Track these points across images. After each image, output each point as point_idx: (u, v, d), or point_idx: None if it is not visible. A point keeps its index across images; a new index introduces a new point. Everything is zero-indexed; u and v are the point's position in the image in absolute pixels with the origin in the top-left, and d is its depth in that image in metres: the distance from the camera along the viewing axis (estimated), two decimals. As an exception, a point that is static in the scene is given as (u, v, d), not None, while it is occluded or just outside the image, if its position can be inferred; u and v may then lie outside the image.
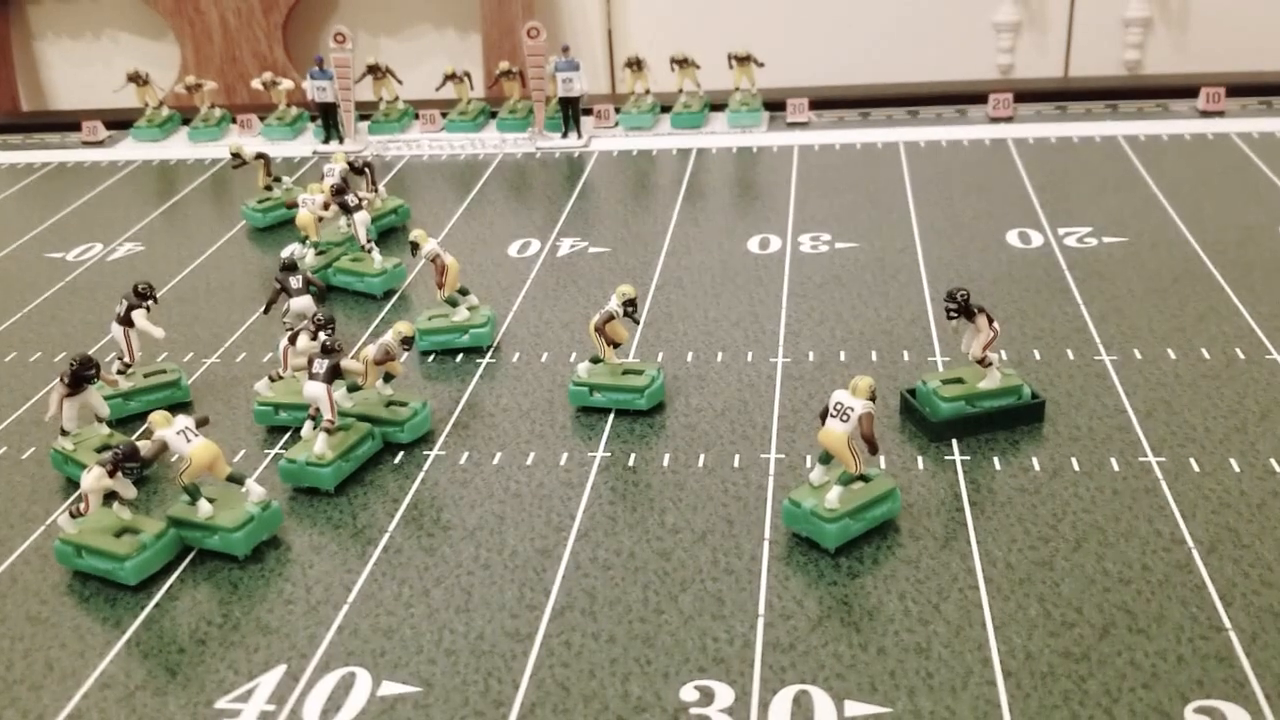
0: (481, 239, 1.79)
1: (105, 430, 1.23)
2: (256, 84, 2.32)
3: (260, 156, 1.89)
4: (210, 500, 1.08)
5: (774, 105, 2.23)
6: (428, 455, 1.22)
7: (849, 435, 1.00)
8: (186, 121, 2.42)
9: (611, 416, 1.26)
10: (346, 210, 1.61)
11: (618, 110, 2.24)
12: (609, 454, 1.20)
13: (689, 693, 0.87)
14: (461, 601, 0.99)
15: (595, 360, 1.28)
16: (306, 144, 2.28)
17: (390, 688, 0.90)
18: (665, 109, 2.25)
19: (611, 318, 1.25)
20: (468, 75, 2.26)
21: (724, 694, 0.87)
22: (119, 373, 1.33)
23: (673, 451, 1.19)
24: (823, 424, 1.03)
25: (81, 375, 1.18)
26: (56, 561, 1.07)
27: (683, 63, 2.19)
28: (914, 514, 1.06)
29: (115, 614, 1.02)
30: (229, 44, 2.89)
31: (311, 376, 1.17)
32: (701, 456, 1.18)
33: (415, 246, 1.42)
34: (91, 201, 2.08)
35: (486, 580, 1.02)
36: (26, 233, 1.94)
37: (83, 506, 1.06)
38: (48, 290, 1.72)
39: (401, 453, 1.23)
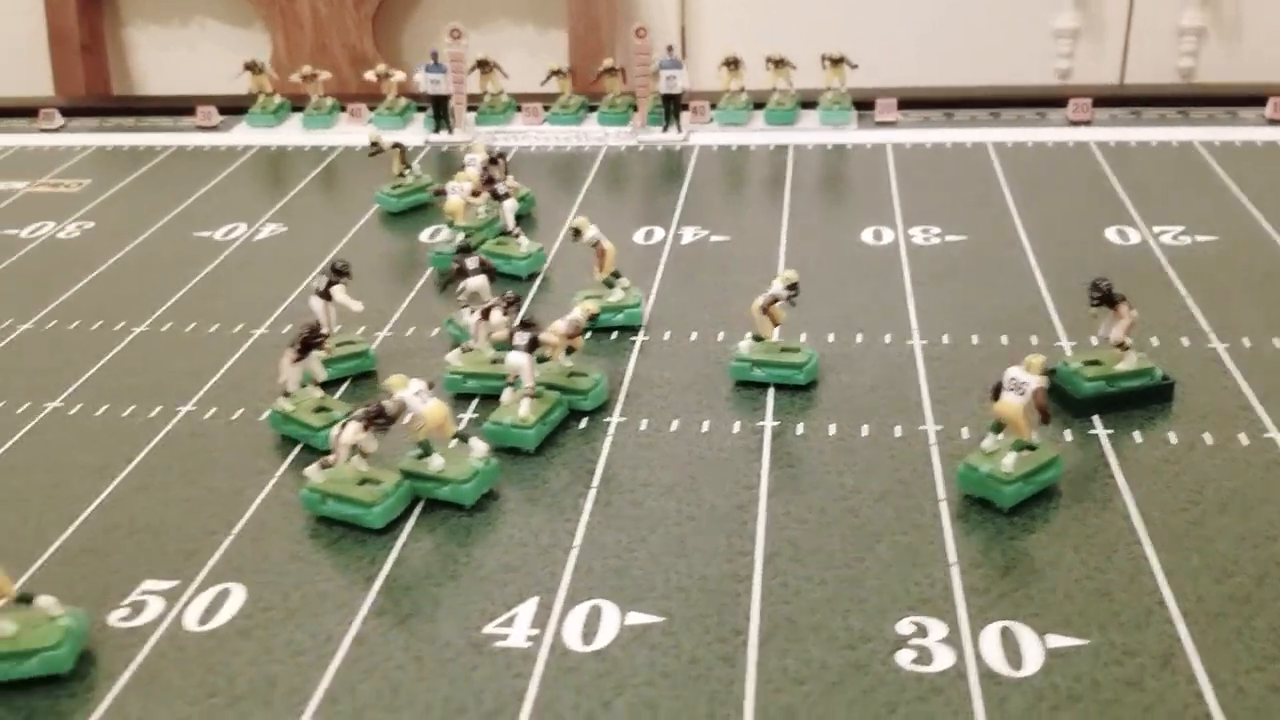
0: (605, 227, 1.90)
1: (318, 393, 1.36)
2: (370, 75, 2.43)
3: (397, 145, 2.01)
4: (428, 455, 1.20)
5: (861, 105, 2.35)
6: (609, 422, 1.35)
7: (1025, 407, 1.13)
8: (296, 109, 2.53)
9: (771, 391, 1.39)
10: (497, 197, 1.73)
11: (713, 107, 2.37)
12: (777, 423, 1.32)
13: (905, 626, 1.00)
14: (677, 548, 1.12)
15: (757, 338, 1.40)
16: (415, 134, 2.39)
17: (636, 617, 1.03)
18: (758, 106, 2.37)
19: (776, 299, 1.38)
20: (572, 71, 2.38)
21: (937, 628, 1.00)
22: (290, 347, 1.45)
23: (836, 422, 1.32)
24: (995, 398, 1.16)
25: (310, 342, 1.31)
26: (302, 508, 1.20)
27: (778, 63, 2.31)
28: (1071, 480, 1.19)
29: (369, 553, 1.14)
30: (319, 33, 3.00)
31: (514, 348, 1.30)
32: (864, 427, 1.30)
33: (578, 233, 1.55)
34: (222, 184, 2.20)
35: (695, 530, 1.15)
36: (167, 213, 2.06)
37: (332, 458, 1.18)
38: (206, 266, 1.83)
39: (585, 419, 1.35)
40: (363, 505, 1.16)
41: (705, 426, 1.33)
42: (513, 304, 1.38)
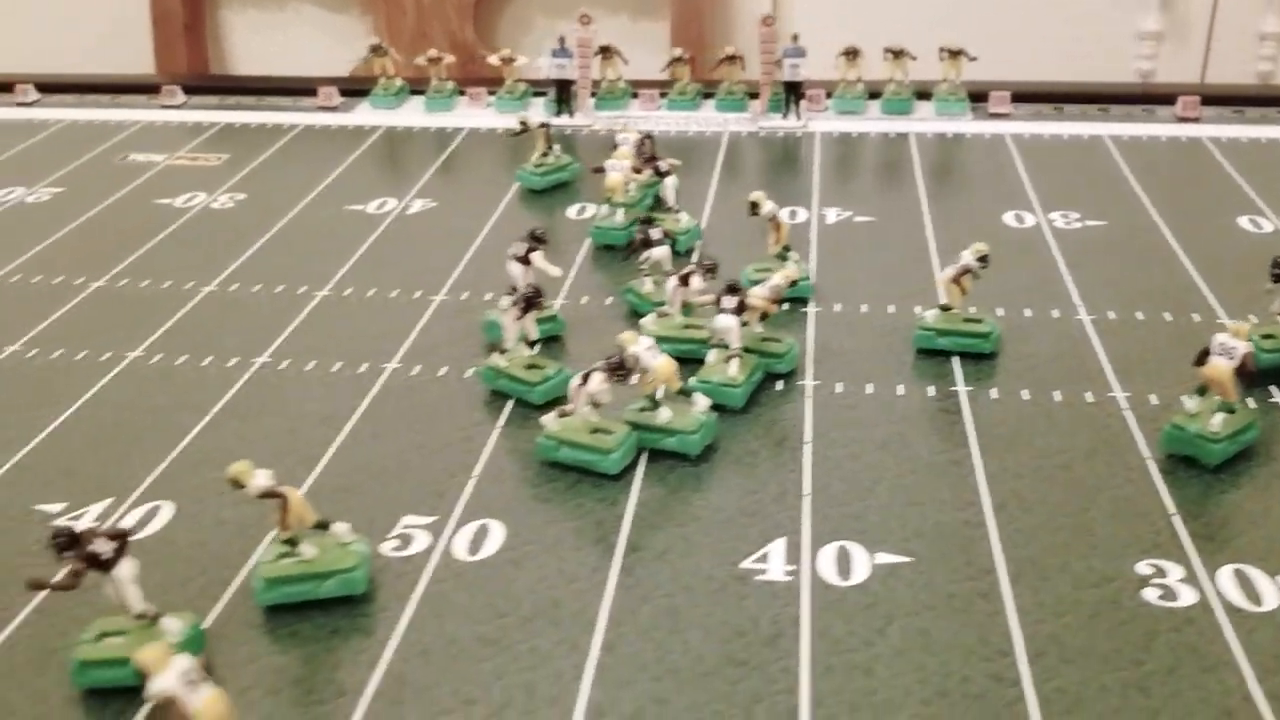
0: (781, 202, 1.99)
1: (528, 351, 1.42)
2: (493, 59, 2.50)
3: (543, 125, 2.07)
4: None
5: (974, 97, 2.42)
6: (804, 385, 1.42)
7: (1232, 369, 1.20)
8: (414, 92, 2.60)
9: (955, 360, 1.46)
10: (659, 174, 1.80)
11: (829, 95, 2.44)
12: (970, 389, 1.39)
13: (1143, 568, 1.07)
14: (905, 497, 1.19)
15: (944, 308, 1.47)
16: (534, 118, 2.46)
17: (884, 557, 1.10)
18: (872, 96, 2.44)
19: (967, 270, 1.45)
20: (692, 59, 2.45)
21: (1174, 569, 1.07)
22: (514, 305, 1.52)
23: (1027, 389, 1.39)
24: (1200, 363, 1.23)
25: (532, 301, 1.38)
26: (536, 455, 1.27)
27: (897, 54, 2.38)
28: (1265, 440, 1.26)
29: (608, 496, 1.21)
30: (421, 20, 3.07)
31: (721, 311, 1.37)
32: (1055, 393, 1.38)
33: (755, 206, 1.62)
34: (358, 161, 2.26)
35: (917, 483, 1.22)
36: (314, 187, 2.13)
37: (570, 408, 1.25)
38: (368, 237, 1.90)
39: (780, 382, 1.42)
40: (600, 452, 1.23)
41: (900, 390, 1.40)
42: (711, 269, 1.45)
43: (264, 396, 1.43)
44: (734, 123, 2.39)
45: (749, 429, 1.33)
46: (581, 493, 1.22)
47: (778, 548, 1.12)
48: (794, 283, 1.43)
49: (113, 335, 1.59)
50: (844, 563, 1.10)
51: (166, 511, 1.21)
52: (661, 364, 1.26)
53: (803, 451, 1.28)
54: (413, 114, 2.53)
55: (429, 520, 1.18)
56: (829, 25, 2.40)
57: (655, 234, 1.57)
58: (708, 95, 2.49)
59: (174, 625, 0.98)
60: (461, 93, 2.57)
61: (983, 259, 1.45)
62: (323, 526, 1.08)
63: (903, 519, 1.16)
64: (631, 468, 1.26)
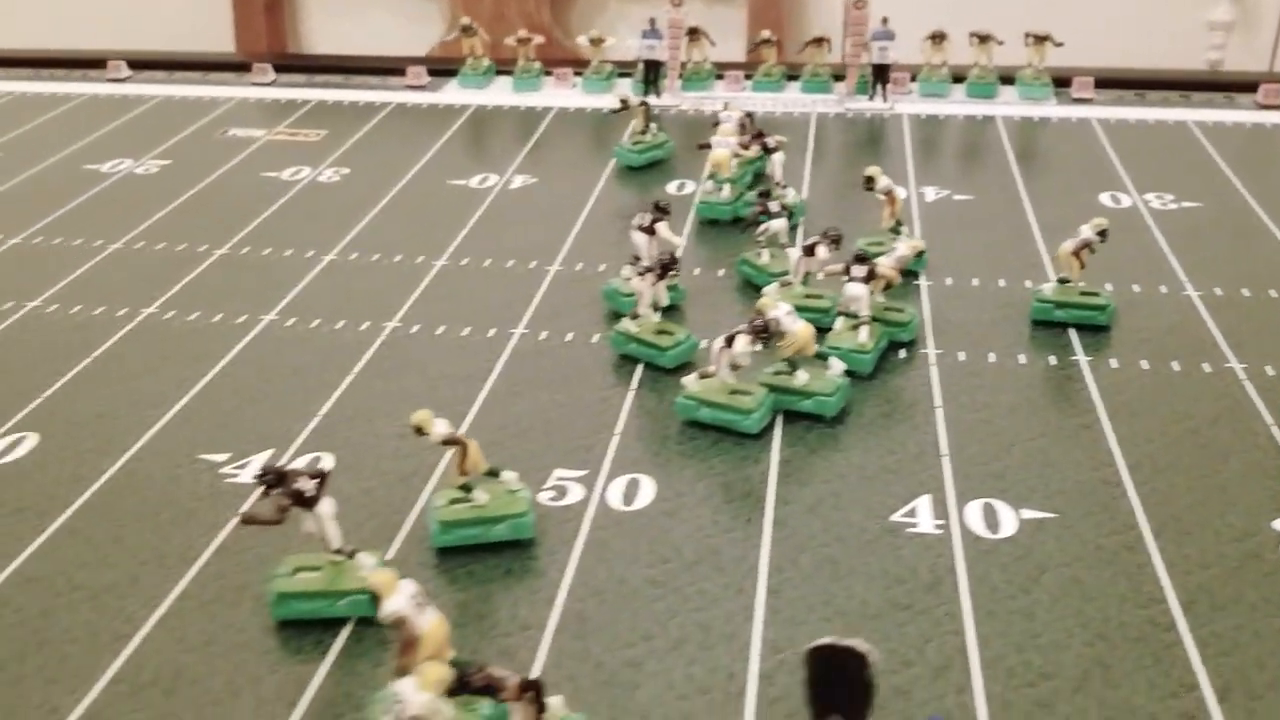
0: (849, 183, 2.03)
1: (656, 317, 1.47)
2: (583, 39, 2.55)
3: (643, 104, 2.12)
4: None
5: (1056, 82, 2.45)
6: (926, 353, 1.46)
7: (1362, 340, 1.24)
8: (500, 73, 2.65)
9: (1072, 331, 1.50)
10: (767, 150, 1.84)
11: (913, 79, 2.47)
12: (1090, 359, 1.43)
13: (1282, 524, 1.12)
14: (1042, 458, 1.23)
15: (1063, 281, 1.51)
16: (634, 97, 2.50)
17: (1029, 513, 1.15)
18: (956, 80, 2.48)
19: (1086, 244, 1.49)
20: (779, 42, 2.49)
21: (1313, 526, 1.11)
22: (639, 275, 1.56)
23: (1145, 359, 1.43)
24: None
25: (668, 267, 1.42)
26: (675, 414, 1.32)
27: (983, 38, 2.42)
28: (1388, 411, 1.30)
29: (750, 453, 1.26)
30: (498, 3, 3.11)
31: (852, 279, 1.41)
32: (1174, 363, 1.41)
33: (871, 181, 1.66)
34: (454, 138, 2.31)
35: (1051, 445, 1.26)
36: (415, 162, 2.17)
37: (712, 369, 1.30)
38: (475, 210, 1.95)
39: (902, 350, 1.46)
40: (741, 412, 1.28)
41: (1022, 359, 1.44)
42: (836, 240, 1.49)
43: (401, 358, 1.48)
44: (820, 104, 2.43)
45: (878, 393, 1.37)
46: (724, 450, 1.27)
47: (924, 503, 1.17)
48: (919, 254, 1.47)
49: (245, 300, 1.64)
50: (991, 518, 1.14)
51: (327, 463, 1.26)
52: (801, 329, 1.30)
53: (935, 415, 1.32)
54: (500, 93, 2.58)
55: (580, 473, 1.23)
56: (915, 9, 2.43)
57: (774, 206, 1.62)
58: (792, 77, 2.53)
59: (368, 561, 1.03)
60: (548, 73, 2.61)
61: (1102, 234, 1.49)
62: (493, 474, 1.13)
63: (1042, 478, 1.20)
64: (769, 428, 1.30)
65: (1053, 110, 2.38)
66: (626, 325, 1.46)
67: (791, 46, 2.61)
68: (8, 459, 1.29)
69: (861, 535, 1.12)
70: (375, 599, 0.86)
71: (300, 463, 1.27)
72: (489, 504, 1.11)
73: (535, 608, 1.04)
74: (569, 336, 1.53)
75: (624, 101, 2.14)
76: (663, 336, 1.44)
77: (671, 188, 2.03)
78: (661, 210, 1.57)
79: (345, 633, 1.02)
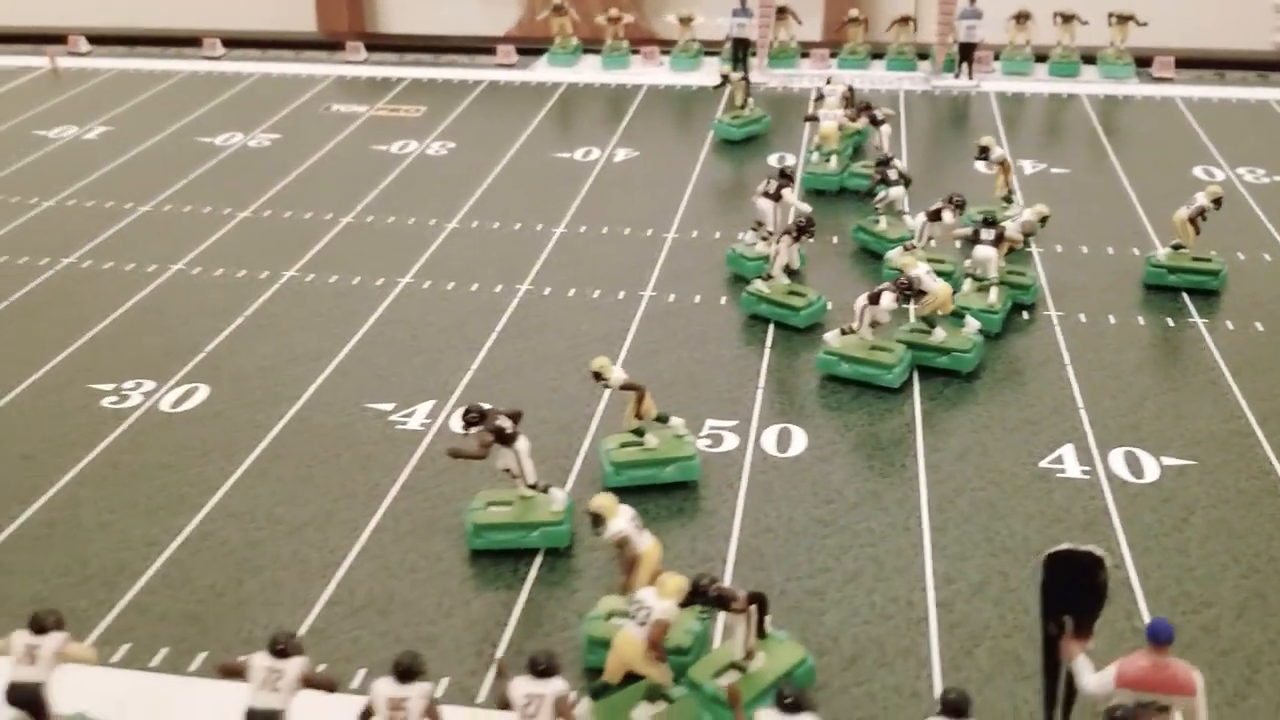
0: (942, 157, 2.08)
1: (786, 280, 1.53)
2: (671, 18, 2.61)
3: (744, 79, 2.18)
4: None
5: (1138, 61, 2.50)
6: (1049, 315, 1.52)
7: None
8: (586, 51, 2.71)
9: (1185, 295, 1.55)
10: (875, 123, 1.90)
11: (996, 57, 2.52)
12: (1206, 321, 1.49)
13: None
14: (1174, 411, 1.29)
15: (1176, 246, 1.56)
16: (709, 75, 2.56)
17: (1170, 460, 1.21)
18: (1039, 59, 2.53)
19: (1202, 211, 1.54)
20: (865, 20, 2.55)
21: None
22: (763, 239, 1.63)
23: (1259, 321, 1.48)
24: None
25: (804, 230, 1.48)
26: (818, 368, 1.38)
27: (1067, 18, 2.46)
28: None
29: (892, 406, 1.32)
30: (577, -17, 3.17)
31: (980, 243, 1.47)
32: (1289, 325, 1.47)
33: (985, 150, 1.72)
34: (551, 114, 2.38)
35: (1181, 399, 1.32)
36: (518, 137, 2.24)
37: (854, 325, 1.36)
38: (584, 181, 2.01)
39: (1025, 312, 1.52)
40: (883, 367, 1.34)
41: (1140, 320, 1.49)
42: (961, 205, 1.55)
43: (538, 318, 1.55)
44: (906, 81, 2.48)
45: (1008, 352, 1.43)
46: (866, 403, 1.33)
47: (1068, 451, 1.23)
48: (1044, 219, 1.52)
49: (379, 263, 1.71)
50: (1134, 464, 1.20)
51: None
52: (941, 287, 1.36)
53: (1066, 371, 1.38)
54: (589, 71, 2.64)
55: (732, 423, 1.30)
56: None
57: (892, 175, 1.67)
58: (876, 56, 2.59)
59: (559, 495, 1.10)
60: (635, 51, 2.67)
61: (1217, 201, 1.54)
62: (663, 419, 1.19)
63: (1176, 429, 1.26)
64: (908, 383, 1.36)
65: (1135, 89, 2.42)
66: (758, 286, 1.52)
67: (873, 26, 2.66)
68: (184, 407, 1.36)
69: (1013, 480, 1.19)
70: (598, 520, 0.92)
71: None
72: (659, 448, 1.18)
73: (712, 542, 1.11)
74: (697, 299, 1.59)
75: (725, 76, 2.20)
76: (794, 297, 1.50)
77: (773, 159, 2.09)
78: (786, 177, 1.63)
79: (537, 562, 1.09)
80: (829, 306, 1.51)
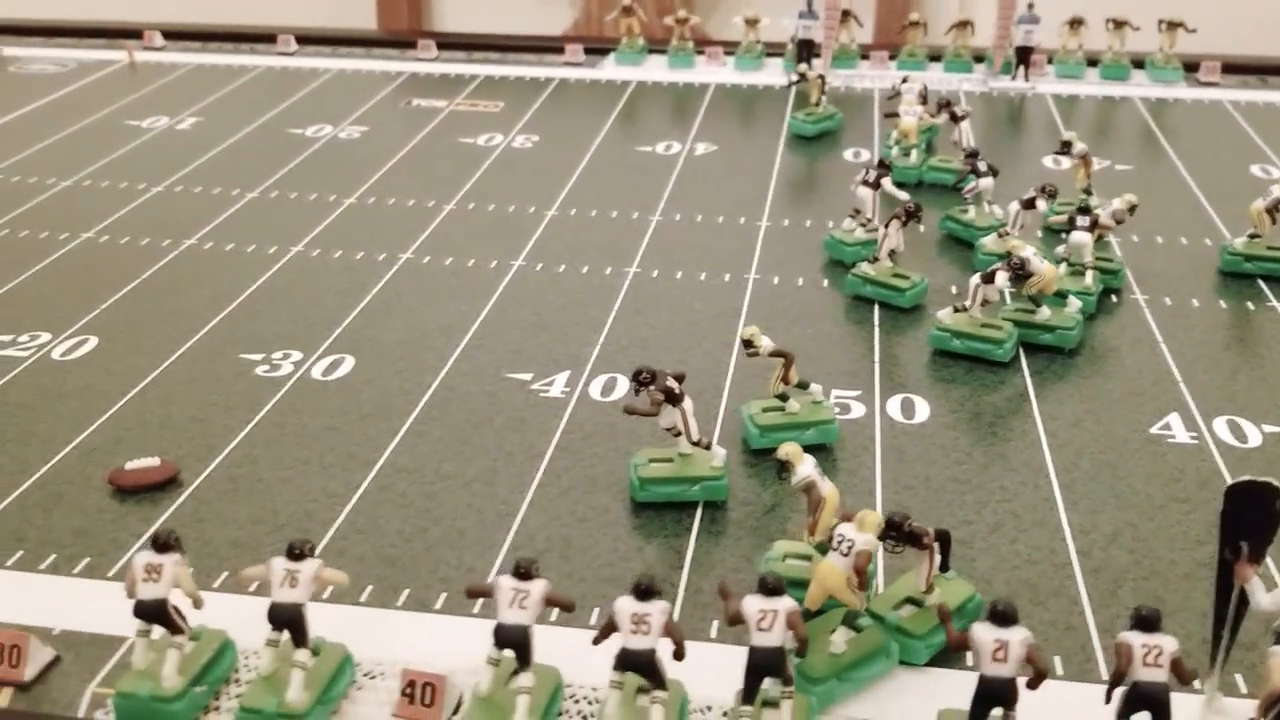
0: (1011, 152, 2.17)
1: (889, 264, 1.62)
2: (737, 20, 2.70)
3: (820, 77, 2.27)
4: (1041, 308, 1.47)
5: (1185, 66, 2.59)
6: (1135, 298, 1.61)
7: None
8: (653, 51, 2.80)
9: (1261, 282, 1.64)
10: (955, 119, 1.99)
11: (1050, 61, 2.62)
12: (1285, 304, 1.59)
13: None
14: (1266, 385, 1.39)
15: (1253, 236, 1.65)
16: (772, 75, 2.65)
17: (1270, 428, 1.30)
18: (1090, 63, 2.62)
19: (1278, 203, 1.63)
20: (924, 23, 2.64)
21: None
22: (861, 226, 1.71)
23: (1337, 305, 1.58)
24: None
25: (913, 214, 1.57)
26: (930, 343, 1.47)
27: (1119, 24, 2.56)
28: None
29: (1004, 378, 1.41)
30: (632, -14, 3.26)
31: (1078, 229, 1.56)
32: (1366, 308, 1.57)
33: (1068, 145, 1.81)
34: (625, 110, 2.46)
35: (1270, 375, 1.41)
36: (598, 131, 2.33)
37: (966, 303, 1.45)
38: (670, 174, 2.10)
39: (1113, 295, 1.61)
40: (994, 342, 1.43)
41: (1222, 304, 1.59)
42: (1054, 194, 1.64)
43: (651, 298, 1.64)
44: (964, 82, 2.58)
45: (1103, 330, 1.52)
46: (978, 376, 1.42)
47: (1175, 419, 1.32)
48: (1133, 207, 1.62)
49: (490, 247, 1.80)
50: (1237, 431, 1.29)
51: (622, 384, 1.42)
52: (1048, 268, 1.45)
53: (1160, 349, 1.47)
54: (655, 70, 2.73)
55: (856, 393, 1.39)
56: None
57: (982, 166, 1.76)
58: (934, 58, 2.68)
59: (720, 451, 1.18)
60: (700, 51, 2.76)
61: (1300, 192, 1.64)
62: (803, 386, 1.28)
63: (1272, 400, 1.35)
64: (1015, 358, 1.45)
65: (1183, 92, 2.52)
66: (865, 269, 1.61)
67: (930, 29, 2.76)
68: (336, 375, 1.44)
69: (1126, 444, 1.28)
70: (785, 467, 1.01)
71: (598, 382, 1.42)
72: (801, 412, 1.27)
73: (859, 498, 1.20)
74: (799, 281, 1.68)
75: (802, 74, 2.29)
76: (899, 279, 1.59)
77: (849, 154, 2.18)
78: (885, 167, 1.72)
79: (698, 514, 1.18)
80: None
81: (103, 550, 1.13)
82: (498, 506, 1.20)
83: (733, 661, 0.88)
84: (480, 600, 1.05)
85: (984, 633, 0.80)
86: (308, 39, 2.95)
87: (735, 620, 0.84)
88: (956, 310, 1.46)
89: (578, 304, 1.63)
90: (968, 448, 1.28)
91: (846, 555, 0.90)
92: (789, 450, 1.01)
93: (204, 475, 1.25)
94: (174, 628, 0.90)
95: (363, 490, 1.22)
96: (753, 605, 0.82)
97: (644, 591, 0.84)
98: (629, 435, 1.31)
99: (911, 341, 1.51)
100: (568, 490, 1.22)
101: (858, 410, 1.35)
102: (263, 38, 2.96)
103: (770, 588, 0.82)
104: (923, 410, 1.35)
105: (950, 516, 1.16)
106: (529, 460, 1.27)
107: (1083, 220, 1.56)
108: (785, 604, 0.82)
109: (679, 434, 1.18)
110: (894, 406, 1.36)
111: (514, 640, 0.86)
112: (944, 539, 0.96)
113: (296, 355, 1.49)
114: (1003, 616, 0.80)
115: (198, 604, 0.92)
